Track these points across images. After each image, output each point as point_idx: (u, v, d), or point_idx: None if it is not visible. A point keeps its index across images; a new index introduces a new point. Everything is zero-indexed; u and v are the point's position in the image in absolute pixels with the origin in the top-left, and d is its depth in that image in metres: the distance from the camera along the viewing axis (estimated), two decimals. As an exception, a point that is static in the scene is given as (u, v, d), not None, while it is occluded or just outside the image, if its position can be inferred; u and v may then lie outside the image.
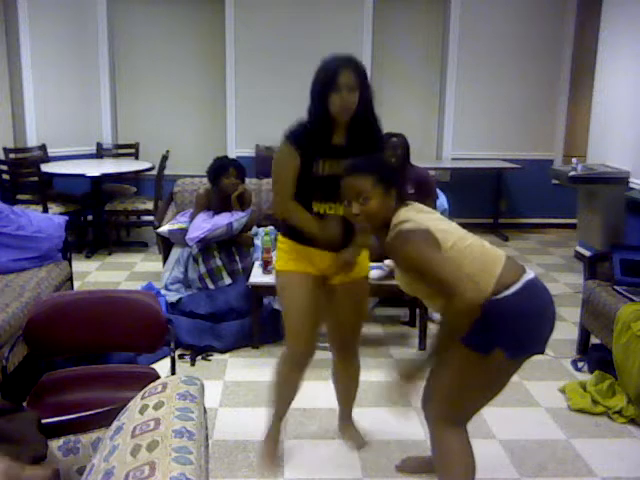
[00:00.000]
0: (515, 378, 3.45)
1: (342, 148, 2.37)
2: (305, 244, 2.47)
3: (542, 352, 2.12)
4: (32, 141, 6.23)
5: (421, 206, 2.14)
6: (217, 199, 4.39)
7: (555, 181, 6.51)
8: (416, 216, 2.04)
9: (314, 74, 2.38)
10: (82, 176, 5.70)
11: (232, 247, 4.34)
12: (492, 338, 1.98)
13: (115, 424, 1.49)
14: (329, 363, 3.61)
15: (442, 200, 4.70)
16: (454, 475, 2.15)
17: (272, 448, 2.70)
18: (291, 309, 2.54)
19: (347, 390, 2.82)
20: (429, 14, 6.82)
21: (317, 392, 3.29)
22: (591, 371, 3.47)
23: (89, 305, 2.54)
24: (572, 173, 5.17)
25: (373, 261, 4.10)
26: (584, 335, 3.76)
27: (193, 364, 3.63)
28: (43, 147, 6.23)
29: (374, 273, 3.87)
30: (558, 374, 3.55)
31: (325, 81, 2.31)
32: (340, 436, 2.89)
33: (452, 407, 2.15)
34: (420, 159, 5.17)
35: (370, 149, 2.34)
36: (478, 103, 6.78)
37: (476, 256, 1.98)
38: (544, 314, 2.04)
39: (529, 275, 2.02)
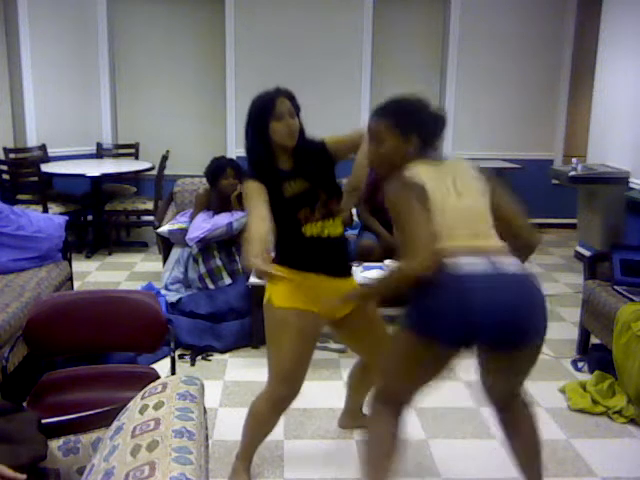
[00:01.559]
0: (515, 378, 3.48)
1: (292, 171, 2.37)
2: (311, 270, 2.33)
3: (451, 345, 1.99)
4: (32, 141, 6.23)
5: (450, 165, 2.10)
6: (217, 199, 4.39)
7: (555, 181, 6.50)
8: (423, 170, 2.03)
9: (249, 111, 2.36)
10: (82, 176, 5.70)
11: (232, 247, 4.33)
12: (411, 306, 2.02)
13: (115, 424, 1.49)
14: (329, 363, 3.63)
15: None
16: (369, 450, 2.13)
17: None
18: (285, 353, 2.34)
19: (368, 387, 2.80)
20: (429, 14, 6.82)
21: (317, 392, 3.29)
22: (591, 371, 3.47)
23: (89, 305, 2.54)
24: (572, 173, 5.17)
25: (373, 261, 4.12)
26: (584, 335, 3.77)
27: (193, 364, 3.63)
28: (43, 147, 6.23)
29: (374, 273, 3.87)
30: (558, 374, 3.55)
31: (265, 112, 2.31)
32: (354, 426, 2.91)
33: (382, 381, 2.17)
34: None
35: (320, 168, 2.38)
36: (478, 103, 6.78)
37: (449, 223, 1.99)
38: (465, 308, 1.92)
39: (479, 268, 1.93)
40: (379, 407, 2.15)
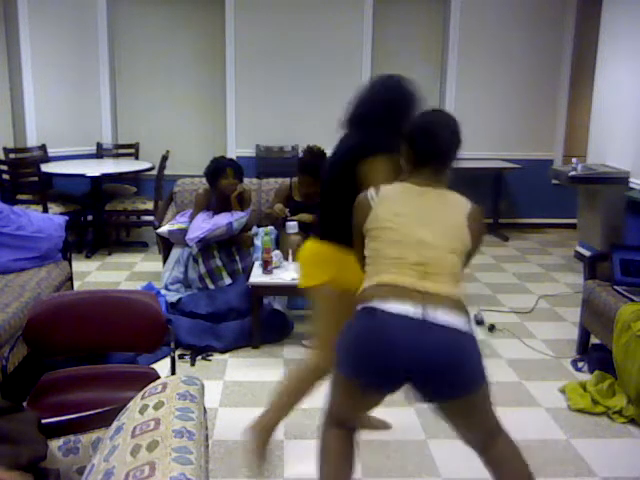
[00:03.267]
0: (515, 378, 3.48)
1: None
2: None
3: (372, 388, 1.97)
4: (32, 141, 6.23)
5: (436, 195, 2.06)
6: (216, 199, 4.40)
7: (555, 181, 6.50)
8: (392, 191, 2.08)
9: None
10: (82, 176, 5.70)
11: (232, 247, 4.34)
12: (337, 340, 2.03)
13: (115, 424, 1.49)
14: (329, 363, 3.63)
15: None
16: (320, 469, 2.14)
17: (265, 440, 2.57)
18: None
19: None
20: (429, 14, 6.82)
21: (317, 392, 3.28)
22: (591, 371, 3.47)
23: (89, 305, 2.53)
24: (572, 173, 5.17)
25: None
26: (584, 335, 3.77)
27: (193, 364, 3.63)
28: (43, 147, 6.24)
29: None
30: (558, 374, 3.55)
31: None
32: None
33: (326, 405, 2.17)
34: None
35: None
36: (478, 103, 6.78)
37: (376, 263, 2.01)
38: (376, 349, 1.88)
39: (389, 307, 1.88)
40: (328, 428, 2.14)
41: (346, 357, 1.96)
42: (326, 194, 2.52)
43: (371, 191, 2.09)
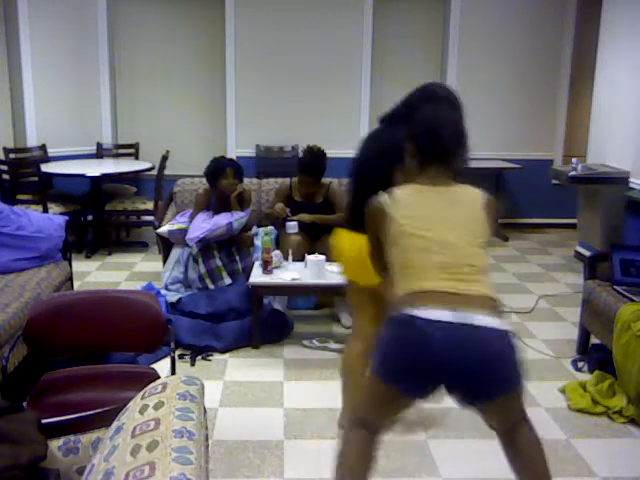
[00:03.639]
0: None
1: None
2: None
3: (409, 393, 1.96)
4: (32, 141, 6.23)
5: (453, 193, 2.06)
6: (216, 199, 4.40)
7: (555, 181, 6.51)
8: (409, 193, 2.05)
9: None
10: (82, 176, 5.70)
11: (232, 247, 4.34)
12: (375, 350, 1.99)
13: (115, 424, 1.49)
14: (329, 363, 3.63)
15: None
16: (339, 464, 2.12)
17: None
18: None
19: None
20: (429, 13, 6.82)
21: (317, 392, 3.29)
22: (591, 371, 3.47)
23: (89, 305, 2.53)
24: (572, 173, 5.17)
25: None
26: (584, 335, 3.77)
27: (193, 364, 3.63)
28: (43, 147, 6.24)
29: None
30: (558, 374, 3.55)
31: None
32: None
33: (354, 411, 2.15)
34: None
35: None
36: (478, 103, 6.77)
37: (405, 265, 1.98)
38: (417, 356, 1.87)
39: (432, 314, 1.85)
40: (353, 428, 2.11)
41: (385, 364, 1.94)
42: (377, 181, 2.30)
43: (384, 196, 2.06)
